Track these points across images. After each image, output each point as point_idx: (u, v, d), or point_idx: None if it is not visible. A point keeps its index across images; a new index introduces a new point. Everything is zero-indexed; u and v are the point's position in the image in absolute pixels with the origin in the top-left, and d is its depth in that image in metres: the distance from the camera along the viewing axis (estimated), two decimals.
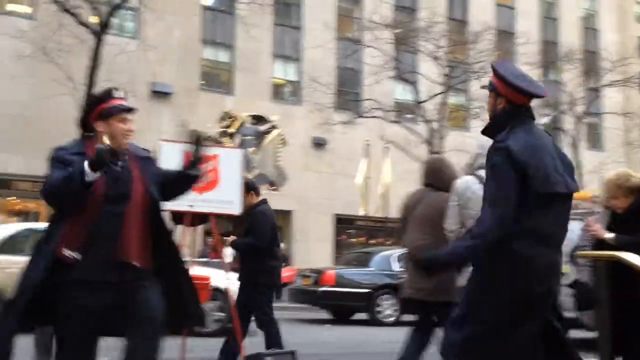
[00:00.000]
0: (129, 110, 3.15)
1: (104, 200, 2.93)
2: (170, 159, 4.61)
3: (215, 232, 5.11)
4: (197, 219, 4.91)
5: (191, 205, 4.77)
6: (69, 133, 15.05)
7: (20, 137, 17.53)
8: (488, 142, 3.15)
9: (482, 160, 3.34)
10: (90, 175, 2.81)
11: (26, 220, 18.75)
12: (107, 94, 3.15)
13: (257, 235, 5.18)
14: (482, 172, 3.44)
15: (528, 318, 2.67)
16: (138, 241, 3.00)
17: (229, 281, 5.70)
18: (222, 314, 8.19)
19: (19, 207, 18.80)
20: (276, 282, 5.40)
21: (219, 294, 7.93)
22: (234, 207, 5.02)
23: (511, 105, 2.81)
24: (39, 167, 18.09)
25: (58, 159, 3.00)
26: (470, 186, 3.88)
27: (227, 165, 5.05)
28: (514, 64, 3.12)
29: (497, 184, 2.66)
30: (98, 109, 3.10)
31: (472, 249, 2.66)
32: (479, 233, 2.64)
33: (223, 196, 4.97)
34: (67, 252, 2.85)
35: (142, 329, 2.92)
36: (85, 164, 2.81)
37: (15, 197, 18.63)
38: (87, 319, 2.87)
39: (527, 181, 2.61)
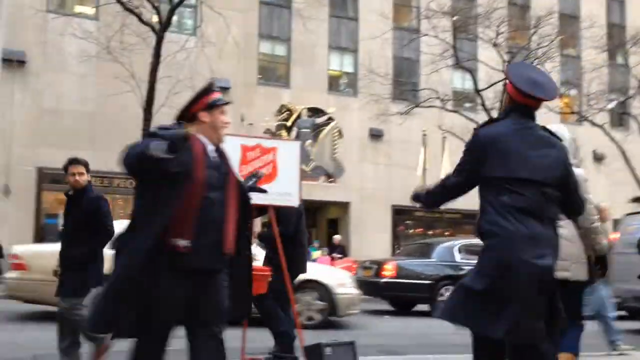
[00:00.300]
0: (227, 103, 3.36)
1: (206, 188, 3.00)
2: (228, 151, 4.68)
3: (274, 224, 5.15)
4: (255, 211, 4.95)
5: (250, 198, 4.82)
6: (132, 129, 15.60)
7: (87, 134, 18.22)
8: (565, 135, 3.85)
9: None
10: (165, 153, 2.85)
11: None
12: (212, 87, 3.34)
13: (283, 224, 5.19)
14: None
15: None
16: (233, 230, 3.10)
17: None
18: (323, 304, 8.41)
19: None
20: (300, 270, 5.48)
21: (318, 285, 8.20)
22: (293, 199, 5.06)
23: (515, 104, 3.12)
24: (106, 162, 18.87)
25: (150, 133, 3.09)
26: None
27: (285, 158, 5.09)
28: (529, 66, 3.54)
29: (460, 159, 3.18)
30: (204, 100, 3.24)
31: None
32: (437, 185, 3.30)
33: (281, 188, 5.01)
34: (179, 242, 2.90)
35: (208, 326, 2.99)
36: (164, 143, 2.87)
37: None
38: (178, 308, 2.94)
39: (487, 163, 2.99)
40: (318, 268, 9.27)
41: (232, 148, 4.89)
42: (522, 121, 3.09)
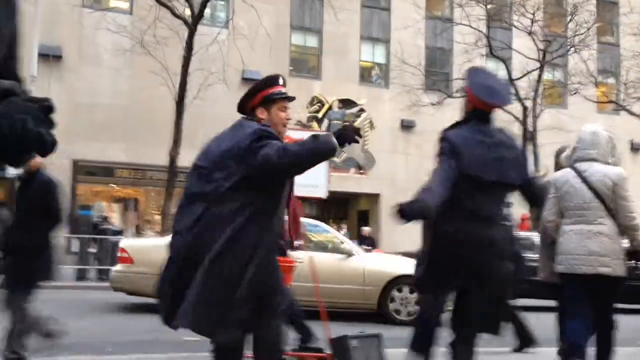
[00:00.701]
0: (290, 98, 3.23)
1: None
2: None
3: (301, 215, 5.16)
4: None
5: None
6: (165, 122, 15.81)
7: (120, 126, 18.52)
8: (587, 133, 4.20)
9: (582, 152, 4.16)
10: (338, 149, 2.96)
11: (126, 206, 19.85)
12: (273, 80, 3.25)
13: None
14: (581, 165, 4.12)
15: None
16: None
17: None
18: (420, 296, 8.43)
19: (119, 194, 19.89)
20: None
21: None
22: (320, 191, 5.06)
23: (475, 110, 3.45)
24: (138, 155, 19.21)
25: (271, 135, 3.03)
26: (569, 179, 4.15)
27: None
28: (486, 72, 3.75)
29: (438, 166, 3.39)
30: (262, 94, 3.15)
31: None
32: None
33: (309, 180, 5.00)
34: (297, 242, 2.98)
35: (271, 315, 3.07)
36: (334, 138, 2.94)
37: (116, 185, 19.71)
38: None
39: (459, 165, 3.25)
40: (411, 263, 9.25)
41: None
42: (481, 126, 3.46)
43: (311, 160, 2.95)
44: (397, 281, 8.34)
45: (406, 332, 7.17)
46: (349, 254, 8.36)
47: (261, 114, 3.14)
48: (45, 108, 1.27)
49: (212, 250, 2.82)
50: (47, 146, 1.22)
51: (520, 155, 3.57)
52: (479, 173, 3.34)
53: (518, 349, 6.01)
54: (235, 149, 2.98)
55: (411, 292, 8.28)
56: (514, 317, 5.83)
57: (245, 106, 3.21)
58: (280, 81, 3.27)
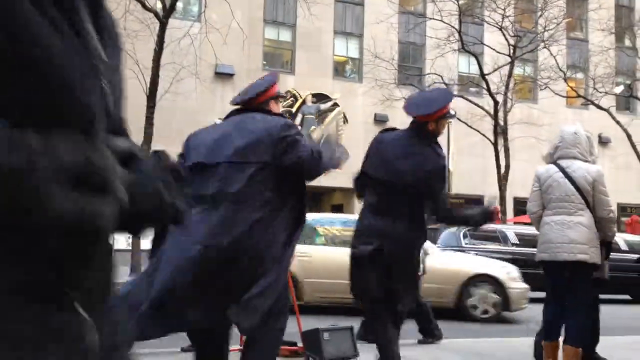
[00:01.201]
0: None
1: None
2: None
3: None
4: None
5: None
6: (137, 116, 15.62)
7: None
8: (569, 133, 4.60)
9: (564, 151, 4.51)
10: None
11: None
12: (276, 78, 3.38)
13: None
14: (563, 162, 4.49)
15: None
16: None
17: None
18: (497, 297, 8.62)
19: None
20: None
21: (489, 278, 8.62)
22: None
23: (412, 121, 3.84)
24: None
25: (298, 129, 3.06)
26: (552, 174, 4.50)
27: None
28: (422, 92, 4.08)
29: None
30: (275, 88, 3.22)
31: None
32: None
33: None
34: None
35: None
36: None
37: None
38: None
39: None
40: (489, 262, 9.40)
41: None
42: (408, 132, 3.87)
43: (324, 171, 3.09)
44: (474, 279, 8.73)
45: (481, 327, 7.31)
46: (425, 253, 8.45)
47: (274, 107, 3.17)
48: (176, 174, 1.14)
49: (253, 252, 2.77)
50: (183, 218, 1.10)
51: (424, 163, 3.77)
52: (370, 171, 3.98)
53: (423, 341, 6.06)
54: (266, 140, 2.88)
55: (488, 290, 8.71)
56: (422, 310, 5.88)
57: (253, 100, 3.16)
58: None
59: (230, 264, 2.74)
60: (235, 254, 2.74)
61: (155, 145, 14.09)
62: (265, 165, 2.84)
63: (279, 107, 3.28)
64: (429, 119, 3.79)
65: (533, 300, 11.48)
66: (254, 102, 3.13)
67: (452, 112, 4.07)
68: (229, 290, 2.75)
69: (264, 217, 2.80)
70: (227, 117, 3.17)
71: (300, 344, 4.71)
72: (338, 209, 22.54)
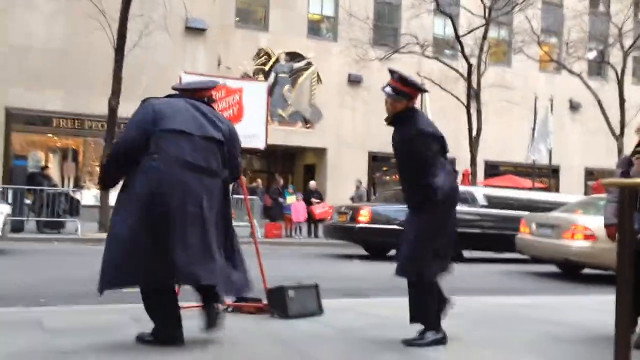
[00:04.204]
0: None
1: None
2: None
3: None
4: None
5: None
6: (104, 68, 15.19)
7: (57, 74, 17.72)
8: None
9: None
10: None
11: (65, 157, 19.23)
12: (215, 84, 4.03)
13: None
14: None
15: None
16: None
17: None
18: None
19: (58, 144, 19.20)
20: None
21: None
22: (259, 141, 4.97)
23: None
24: (77, 104, 18.42)
25: None
26: None
27: (252, 99, 4.97)
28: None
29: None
30: (212, 91, 3.93)
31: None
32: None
33: (248, 130, 4.90)
34: None
35: None
36: None
37: (54, 135, 18.98)
38: None
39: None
40: None
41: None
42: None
43: None
44: None
45: (348, 284, 7.28)
46: None
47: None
48: None
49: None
50: None
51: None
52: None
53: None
54: (229, 133, 3.65)
55: None
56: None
57: (195, 92, 3.71)
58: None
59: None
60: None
61: (124, 102, 13.74)
62: (226, 150, 3.61)
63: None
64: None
65: (497, 261, 11.70)
66: (195, 93, 3.69)
67: (387, 90, 3.83)
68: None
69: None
70: (172, 97, 3.71)
71: (265, 301, 4.68)
72: (310, 168, 22.49)
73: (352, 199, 17.32)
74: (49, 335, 3.69)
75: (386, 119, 3.91)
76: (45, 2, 17.72)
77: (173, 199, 3.33)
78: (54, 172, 17.10)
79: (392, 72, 3.87)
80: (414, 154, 3.75)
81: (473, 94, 18.55)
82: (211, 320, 3.53)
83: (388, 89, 3.82)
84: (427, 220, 3.77)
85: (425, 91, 4.18)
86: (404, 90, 3.81)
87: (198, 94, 3.70)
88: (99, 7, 14.50)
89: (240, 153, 3.81)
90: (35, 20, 17.86)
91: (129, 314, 4.30)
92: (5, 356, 3.18)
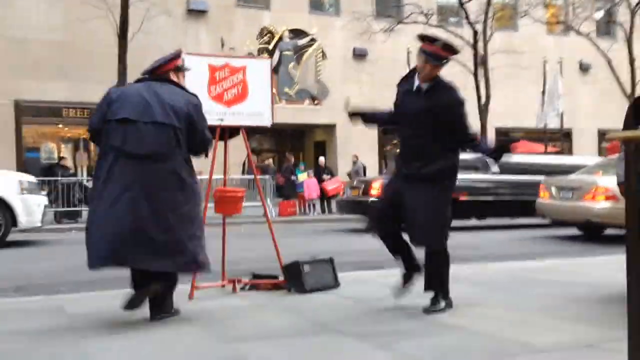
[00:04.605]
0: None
1: None
2: (195, 71, 4.56)
3: (247, 146, 5.07)
4: (228, 132, 4.86)
5: (221, 119, 4.72)
6: (109, 57, 15.18)
7: (60, 64, 17.69)
8: None
9: None
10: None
11: (76, 147, 19.33)
12: (179, 53, 3.98)
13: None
14: None
15: None
16: None
17: None
18: None
19: (68, 134, 19.29)
20: None
21: None
22: (265, 119, 4.95)
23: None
24: (84, 93, 18.37)
25: None
26: None
27: (256, 77, 4.94)
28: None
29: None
30: (176, 62, 3.86)
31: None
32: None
33: (253, 108, 4.89)
34: None
35: None
36: None
37: (63, 125, 19.06)
38: None
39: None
40: None
41: (200, 68, 4.76)
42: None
43: None
44: None
45: (361, 257, 7.32)
46: None
47: (176, 77, 3.83)
48: None
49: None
50: None
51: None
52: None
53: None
54: (186, 111, 3.66)
55: None
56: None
57: (156, 70, 3.80)
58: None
59: None
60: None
61: None
62: (181, 130, 3.63)
63: (180, 79, 3.86)
64: None
65: (515, 227, 11.67)
66: (160, 71, 3.80)
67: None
68: None
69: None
70: (137, 82, 3.83)
71: (281, 277, 4.71)
72: (320, 145, 22.45)
73: (349, 174, 17.29)
74: (70, 319, 3.76)
75: (422, 84, 3.86)
76: None
77: (115, 186, 3.50)
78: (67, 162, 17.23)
79: (427, 37, 3.86)
80: (457, 119, 3.80)
81: (480, 61, 18.35)
82: (133, 301, 3.61)
83: (430, 54, 3.79)
84: (447, 189, 3.86)
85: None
86: (444, 56, 3.81)
87: (163, 71, 3.79)
88: None
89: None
90: (34, 11, 17.81)
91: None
92: (29, 336, 3.24)
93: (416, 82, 3.89)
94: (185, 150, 3.67)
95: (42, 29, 17.82)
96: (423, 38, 3.87)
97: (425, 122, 3.79)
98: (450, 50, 3.83)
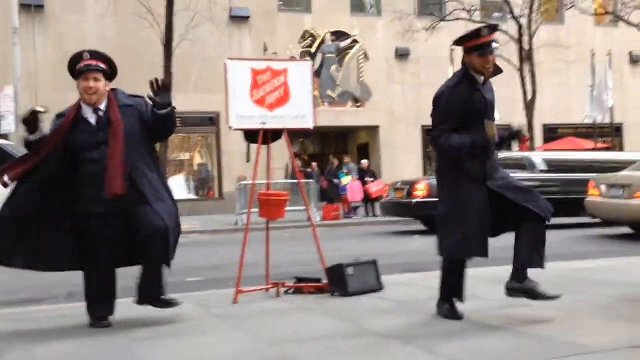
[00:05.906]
0: (91, 70, 3.86)
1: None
2: (237, 76, 4.60)
3: (290, 149, 5.09)
4: (270, 136, 4.88)
5: (263, 122, 4.76)
6: (155, 66, 15.48)
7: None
8: None
9: None
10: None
11: None
12: (79, 55, 3.95)
13: None
14: None
15: None
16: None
17: None
18: None
19: None
20: None
21: None
22: (307, 121, 4.96)
23: None
24: None
25: None
26: None
27: (297, 79, 4.95)
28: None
29: None
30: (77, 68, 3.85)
31: None
32: None
33: (295, 111, 4.91)
34: None
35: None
36: None
37: None
38: None
39: None
40: None
41: (242, 72, 4.81)
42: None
43: None
44: None
45: (407, 258, 7.23)
46: None
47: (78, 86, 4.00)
48: None
49: None
50: None
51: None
52: None
53: None
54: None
55: None
56: None
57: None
58: (85, 56, 3.98)
59: None
60: None
61: (176, 95, 13.98)
62: None
63: (80, 84, 4.04)
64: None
65: (562, 227, 11.37)
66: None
67: (494, 45, 3.61)
68: None
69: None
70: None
71: (324, 280, 4.71)
72: (364, 147, 22.37)
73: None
74: (119, 323, 3.85)
75: (489, 77, 3.81)
76: (94, 4, 18.16)
77: None
78: None
79: (486, 28, 3.66)
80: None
81: (525, 56, 17.97)
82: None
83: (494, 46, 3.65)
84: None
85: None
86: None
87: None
88: (145, 6, 14.80)
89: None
90: (85, 23, 18.36)
91: (193, 300, 4.43)
92: (81, 339, 3.34)
93: (479, 80, 3.77)
94: None
95: (95, 42, 18.33)
96: (494, 28, 3.67)
97: (481, 116, 3.79)
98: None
